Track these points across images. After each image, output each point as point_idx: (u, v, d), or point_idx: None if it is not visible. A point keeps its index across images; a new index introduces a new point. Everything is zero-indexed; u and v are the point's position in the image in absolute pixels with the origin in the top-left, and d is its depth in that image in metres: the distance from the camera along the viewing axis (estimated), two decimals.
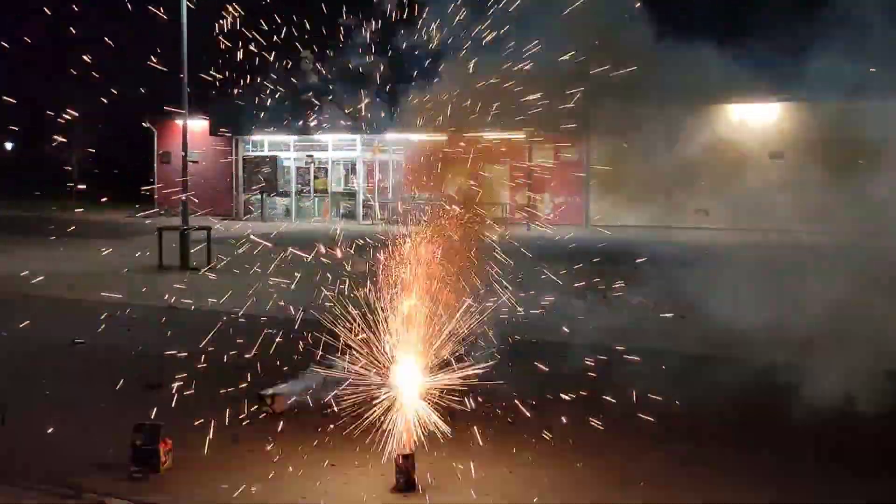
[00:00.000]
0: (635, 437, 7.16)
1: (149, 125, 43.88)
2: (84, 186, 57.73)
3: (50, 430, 7.15)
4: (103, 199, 49.46)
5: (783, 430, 7.42)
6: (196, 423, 7.34)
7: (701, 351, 10.28)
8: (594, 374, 8.28)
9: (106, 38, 21.46)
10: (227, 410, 7.76)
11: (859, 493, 6.12)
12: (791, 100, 31.63)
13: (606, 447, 6.96)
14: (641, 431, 7.23)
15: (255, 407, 7.68)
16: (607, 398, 8.33)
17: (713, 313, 9.46)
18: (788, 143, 30.91)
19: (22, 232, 30.15)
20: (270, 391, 7.69)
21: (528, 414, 7.24)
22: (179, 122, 23.12)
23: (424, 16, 9.52)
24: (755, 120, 32.49)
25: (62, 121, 56.56)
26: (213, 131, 40.34)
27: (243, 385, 8.53)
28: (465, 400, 6.77)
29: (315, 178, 39.91)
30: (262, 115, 36.78)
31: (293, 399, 7.72)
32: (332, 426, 7.05)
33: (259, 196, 39.67)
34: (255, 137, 40.94)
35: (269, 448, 6.77)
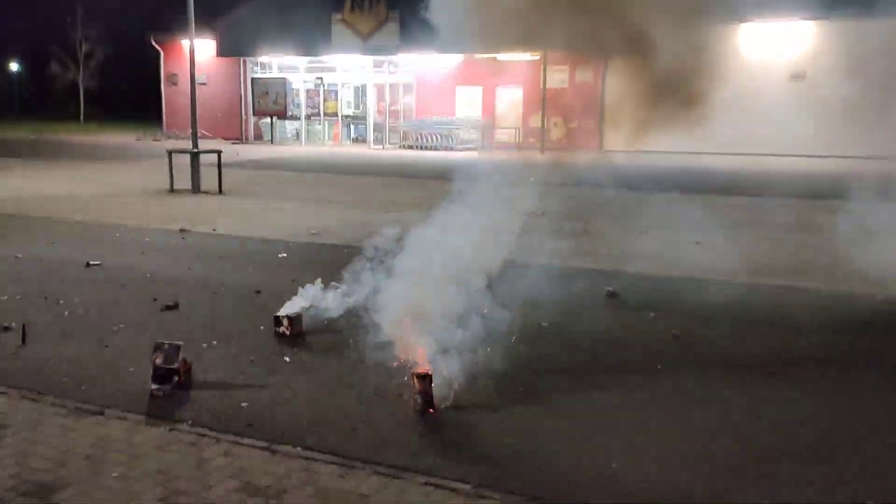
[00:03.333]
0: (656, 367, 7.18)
1: (155, 45, 43.30)
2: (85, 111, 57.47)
3: (71, 350, 7.22)
4: (110, 122, 49.22)
5: None
6: (214, 342, 7.41)
7: None
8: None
9: None
10: (244, 331, 7.84)
11: None
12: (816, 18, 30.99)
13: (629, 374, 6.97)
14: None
15: (273, 328, 7.72)
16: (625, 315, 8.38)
17: None
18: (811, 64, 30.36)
19: (30, 154, 30.11)
20: (286, 313, 7.71)
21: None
22: (186, 43, 22.73)
23: None
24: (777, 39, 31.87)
25: (69, 42, 55.92)
26: (221, 53, 39.86)
27: (258, 306, 8.60)
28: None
29: (325, 101, 39.43)
30: (271, 35, 36.38)
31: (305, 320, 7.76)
32: (347, 349, 7.11)
33: (268, 119, 39.38)
34: (264, 59, 40.42)
35: (286, 368, 6.80)
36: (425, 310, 6.51)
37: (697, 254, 11.76)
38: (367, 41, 36.24)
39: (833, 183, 15.85)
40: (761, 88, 29.76)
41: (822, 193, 17.22)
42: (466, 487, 4.76)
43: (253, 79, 40.26)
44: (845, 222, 10.31)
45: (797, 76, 32.13)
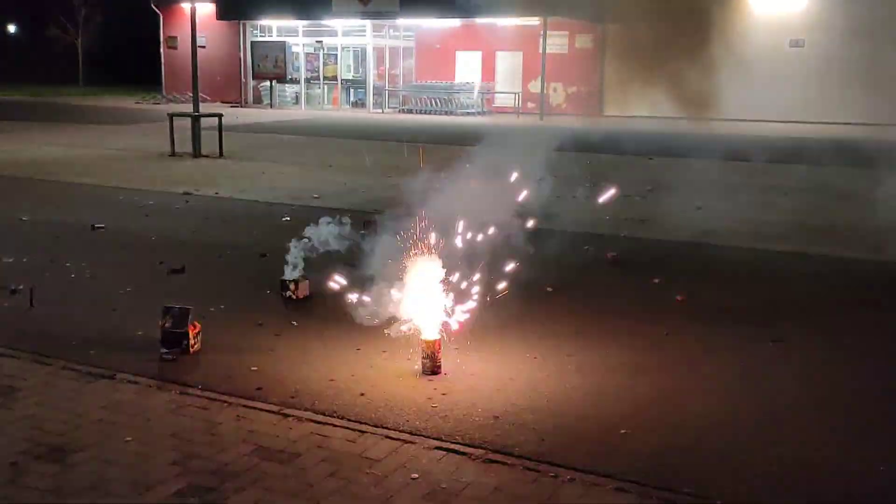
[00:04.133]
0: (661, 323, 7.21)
1: (154, 8, 42.91)
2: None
3: (79, 313, 7.24)
4: (109, 86, 48.97)
5: None
6: (221, 307, 7.43)
7: None
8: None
9: None
10: (251, 295, 7.85)
11: None
12: None
13: (635, 335, 7.00)
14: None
15: (279, 292, 7.74)
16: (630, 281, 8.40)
17: None
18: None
19: (31, 117, 29.96)
20: (293, 276, 7.72)
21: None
22: (186, 5, 22.54)
23: None
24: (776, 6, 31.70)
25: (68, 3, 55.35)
26: (221, 16, 39.52)
27: (264, 270, 8.61)
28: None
29: (325, 64, 39.17)
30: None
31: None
32: (355, 312, 7.12)
33: (268, 83, 39.15)
34: (263, 22, 40.09)
35: (294, 332, 6.83)
36: (431, 275, 6.51)
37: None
38: (367, 5, 35.94)
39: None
40: (761, 54, 29.62)
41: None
42: (478, 452, 4.79)
43: (252, 42, 39.97)
44: None
45: (796, 43, 32.04)
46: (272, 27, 40.21)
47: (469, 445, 4.87)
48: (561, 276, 8.40)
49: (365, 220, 9.20)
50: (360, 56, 39.05)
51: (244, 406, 5.33)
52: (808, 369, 6.28)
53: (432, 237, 6.23)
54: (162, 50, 43.55)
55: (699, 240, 10.71)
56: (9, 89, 47.49)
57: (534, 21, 35.12)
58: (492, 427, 5.14)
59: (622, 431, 5.12)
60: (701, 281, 8.74)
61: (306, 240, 7.78)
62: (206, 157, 18.81)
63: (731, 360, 6.41)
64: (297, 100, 39.45)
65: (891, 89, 25.90)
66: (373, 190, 14.22)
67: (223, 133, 19.40)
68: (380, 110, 37.03)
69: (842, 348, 6.76)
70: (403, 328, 6.41)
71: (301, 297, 7.68)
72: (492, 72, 37.74)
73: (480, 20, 36.27)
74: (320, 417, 5.21)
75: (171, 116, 19.80)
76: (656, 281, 8.61)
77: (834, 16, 29.44)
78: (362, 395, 5.59)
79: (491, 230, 6.75)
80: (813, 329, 7.22)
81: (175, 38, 42.01)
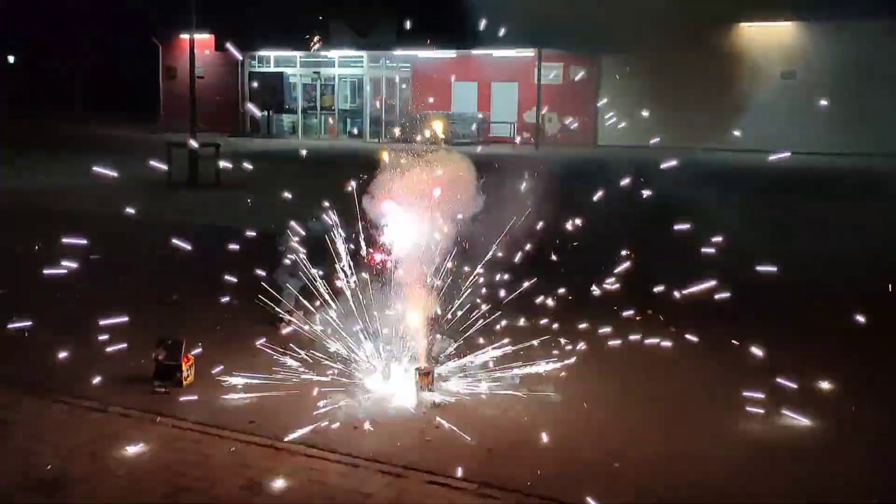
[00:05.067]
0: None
1: (154, 41, 43.20)
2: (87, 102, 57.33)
3: (71, 344, 7.22)
4: (108, 115, 49.13)
5: None
6: (214, 337, 7.42)
7: None
8: None
9: None
10: (247, 326, 7.84)
11: None
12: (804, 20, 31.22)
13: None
14: None
15: (274, 323, 7.73)
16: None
17: None
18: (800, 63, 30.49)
19: (27, 146, 30.00)
20: (284, 312, 7.70)
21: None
22: (185, 36, 22.71)
23: None
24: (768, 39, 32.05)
25: (66, 35, 55.61)
26: (219, 47, 39.80)
27: (258, 301, 8.59)
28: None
29: (321, 94, 39.43)
30: (269, 30, 36.32)
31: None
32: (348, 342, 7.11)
33: (265, 113, 39.35)
34: (261, 53, 40.38)
35: (288, 365, 6.81)
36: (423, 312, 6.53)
37: None
38: (364, 38, 36.24)
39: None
40: (754, 85, 29.93)
41: None
42: (471, 486, 4.79)
43: (250, 72, 40.23)
44: None
45: (788, 75, 32.38)
46: (270, 58, 40.48)
47: (462, 479, 4.87)
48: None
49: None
50: (356, 86, 39.30)
51: (237, 440, 5.33)
52: None
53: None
54: (160, 80, 43.78)
55: None
56: (10, 119, 47.61)
57: (528, 53, 35.44)
58: (485, 460, 5.14)
59: (615, 465, 5.12)
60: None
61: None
62: (203, 185, 18.87)
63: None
64: (294, 129, 39.61)
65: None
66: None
67: (220, 162, 19.44)
68: (377, 140, 37.17)
69: None
70: (398, 359, 6.42)
71: (294, 328, 7.64)
72: (487, 102, 37.96)
73: (476, 52, 36.57)
74: (313, 451, 5.20)
75: (169, 146, 19.85)
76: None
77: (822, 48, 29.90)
78: (355, 428, 5.58)
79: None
80: None
81: (174, 68, 42.24)
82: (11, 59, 64.64)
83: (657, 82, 26.91)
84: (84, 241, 8.78)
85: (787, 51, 32.34)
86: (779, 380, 6.29)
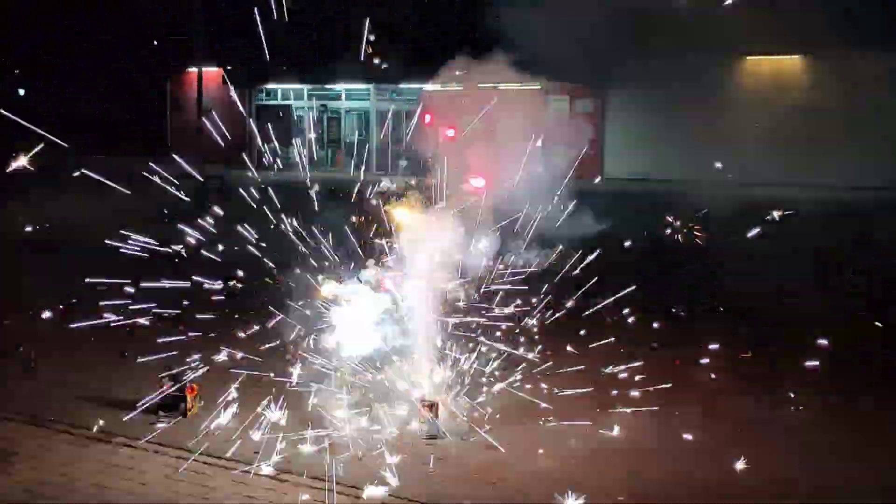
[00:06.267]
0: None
1: (162, 75, 43.56)
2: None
3: (74, 377, 7.23)
4: (114, 148, 49.34)
5: None
6: (219, 368, 7.38)
7: None
8: None
9: None
10: (249, 357, 7.80)
11: None
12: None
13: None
14: None
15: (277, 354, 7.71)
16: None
17: None
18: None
19: (31, 178, 30.13)
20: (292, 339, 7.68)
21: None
22: (192, 70, 22.91)
23: None
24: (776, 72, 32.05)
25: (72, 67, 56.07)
26: (226, 80, 40.12)
27: (263, 330, 8.57)
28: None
29: (329, 127, 39.86)
30: (277, 64, 36.62)
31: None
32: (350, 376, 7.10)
33: (273, 145, 39.58)
34: (269, 86, 40.75)
35: (291, 395, 6.76)
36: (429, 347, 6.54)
37: None
38: (371, 73, 36.54)
39: None
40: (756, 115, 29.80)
41: None
42: None
43: (258, 106, 40.58)
44: None
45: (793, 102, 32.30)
46: (277, 90, 40.85)
47: None
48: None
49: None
50: (363, 119, 39.65)
51: (240, 471, 5.32)
52: None
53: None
54: (168, 114, 44.10)
55: None
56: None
57: (534, 85, 35.61)
58: (489, 493, 5.12)
59: (619, 499, 5.10)
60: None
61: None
62: (210, 217, 18.87)
63: None
64: (301, 161, 39.82)
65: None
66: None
67: (226, 194, 19.52)
68: (383, 172, 37.33)
69: None
70: (402, 391, 6.41)
71: (298, 358, 7.62)
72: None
73: (482, 84, 36.76)
74: (316, 482, 5.19)
75: (175, 179, 19.91)
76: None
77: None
78: (360, 459, 5.57)
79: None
80: None
81: (181, 101, 42.56)
82: (22, 91, 64.95)
83: (666, 116, 27.12)
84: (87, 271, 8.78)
85: (793, 79, 32.03)
86: None
